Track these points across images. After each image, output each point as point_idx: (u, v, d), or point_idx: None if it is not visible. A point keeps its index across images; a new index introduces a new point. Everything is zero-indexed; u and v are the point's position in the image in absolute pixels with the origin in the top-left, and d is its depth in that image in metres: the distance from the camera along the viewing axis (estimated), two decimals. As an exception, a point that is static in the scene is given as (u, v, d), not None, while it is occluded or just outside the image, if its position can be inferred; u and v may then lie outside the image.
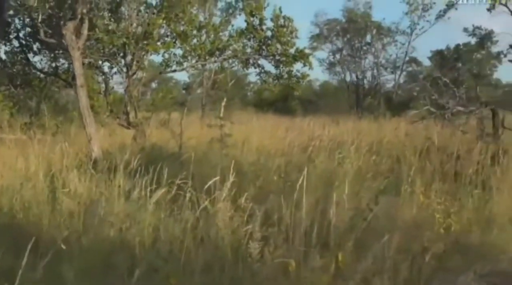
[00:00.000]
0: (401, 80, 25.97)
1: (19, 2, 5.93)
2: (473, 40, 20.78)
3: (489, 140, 7.22)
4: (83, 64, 8.40)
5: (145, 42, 8.46)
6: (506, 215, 4.48)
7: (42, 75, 9.50)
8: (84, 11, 6.47)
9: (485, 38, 18.47)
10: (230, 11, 14.36)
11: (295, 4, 49.22)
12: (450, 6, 17.58)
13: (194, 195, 3.84)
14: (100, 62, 9.44)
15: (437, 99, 7.65)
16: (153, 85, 21.20)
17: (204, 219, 3.29)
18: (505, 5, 12.72)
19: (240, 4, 13.12)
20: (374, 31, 22.86)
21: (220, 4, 14.62)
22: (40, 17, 5.71)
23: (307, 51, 10.02)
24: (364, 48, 23.67)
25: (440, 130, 7.50)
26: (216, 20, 13.58)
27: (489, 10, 13.72)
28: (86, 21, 6.61)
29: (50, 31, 6.89)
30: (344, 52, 24.34)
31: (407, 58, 23.79)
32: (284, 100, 28.10)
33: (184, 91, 12.06)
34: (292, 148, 8.43)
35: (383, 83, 25.01)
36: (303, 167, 6.95)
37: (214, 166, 6.90)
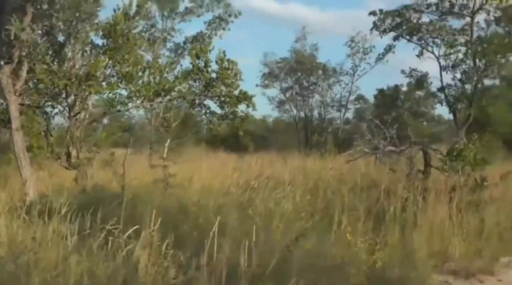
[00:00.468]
0: (350, 117, 27.25)
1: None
2: (411, 81, 22.20)
3: (418, 178, 7.72)
4: (23, 105, 8.29)
5: (88, 83, 8.48)
6: (425, 250, 4.81)
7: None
8: (23, 53, 6.48)
9: (420, 79, 19.82)
10: (179, 51, 14.71)
11: (247, 44, 50.58)
12: (387, 50, 18.84)
13: (123, 241, 3.87)
14: (42, 102, 9.32)
15: (371, 139, 8.11)
16: (105, 121, 20.90)
17: (126, 266, 3.33)
18: (432, 52, 13.84)
19: (189, 45, 13.49)
20: (320, 72, 23.99)
21: (168, 45, 14.90)
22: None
23: (259, 88, 10.37)
24: (311, 87, 24.68)
25: (372, 169, 7.93)
26: (164, 60, 13.86)
27: (418, 56, 14.88)
28: (25, 64, 6.60)
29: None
30: (293, 91, 25.25)
31: (351, 97, 25.04)
32: (236, 136, 28.41)
33: (127, 130, 12.02)
34: (236, 187, 8.57)
35: (331, 121, 26.03)
36: (242, 207, 7.10)
37: (154, 207, 6.91)
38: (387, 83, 26.83)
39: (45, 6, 5.50)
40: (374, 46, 22.30)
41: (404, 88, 24.02)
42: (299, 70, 24.45)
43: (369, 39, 21.49)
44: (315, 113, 25.43)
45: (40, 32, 6.15)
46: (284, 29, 57.56)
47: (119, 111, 9.93)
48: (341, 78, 24.50)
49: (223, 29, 13.95)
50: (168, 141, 9.40)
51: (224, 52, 10.14)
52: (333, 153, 17.44)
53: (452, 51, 12.23)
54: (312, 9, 56.31)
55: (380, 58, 21.02)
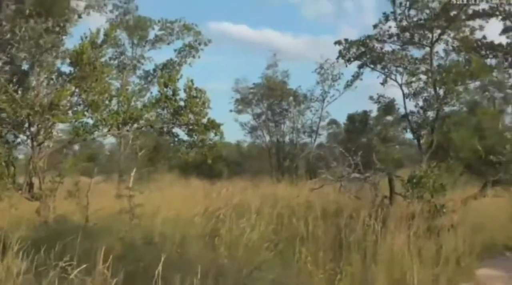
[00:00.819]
0: (324, 141, 27.66)
1: None
2: (380, 106, 22.78)
3: (382, 205, 7.85)
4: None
5: (52, 112, 8.37)
6: (384, 278, 4.86)
7: None
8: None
9: (388, 105, 20.39)
10: (149, 79, 14.72)
11: (220, 69, 51.02)
12: (355, 77, 19.40)
13: (75, 278, 3.77)
14: (4, 131, 9.11)
15: (335, 166, 8.24)
16: (76, 147, 20.51)
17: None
18: (395, 80, 14.32)
19: (159, 73, 13.53)
20: (291, 98, 24.39)
21: (138, 72, 14.91)
22: None
23: (233, 113, 10.38)
24: (283, 113, 25.01)
25: (338, 196, 8.02)
26: (134, 88, 13.84)
27: (382, 83, 15.39)
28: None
29: None
30: (265, 116, 25.51)
31: (323, 123, 25.48)
32: (209, 162, 28.20)
33: (92, 159, 11.77)
34: (203, 216, 8.50)
35: (303, 146, 26.30)
36: (207, 237, 7.02)
37: (117, 239, 6.77)
38: (357, 108, 27.48)
39: (7, 36, 5.44)
40: (342, 73, 22.98)
41: (373, 114, 24.64)
42: (270, 96, 24.79)
43: (337, 66, 22.13)
44: (287, 138, 25.71)
45: (1, 61, 6.04)
46: (258, 55, 58.65)
47: (84, 140, 9.78)
48: (312, 104, 24.96)
49: (193, 56, 14.09)
50: (134, 170, 9.28)
51: (192, 80, 10.20)
52: (304, 178, 17.58)
53: (413, 79, 12.71)
54: (285, 34, 57.68)
55: (348, 85, 21.61)
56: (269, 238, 6.12)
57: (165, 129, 10.70)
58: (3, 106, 7.79)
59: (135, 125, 10.37)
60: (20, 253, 4.89)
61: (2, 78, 6.01)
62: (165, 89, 10.42)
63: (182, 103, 10.27)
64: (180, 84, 10.45)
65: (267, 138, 25.93)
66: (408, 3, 10.84)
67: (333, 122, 28.53)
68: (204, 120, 10.23)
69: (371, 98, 21.57)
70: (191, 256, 5.93)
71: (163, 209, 9.63)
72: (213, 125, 10.05)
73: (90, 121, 10.15)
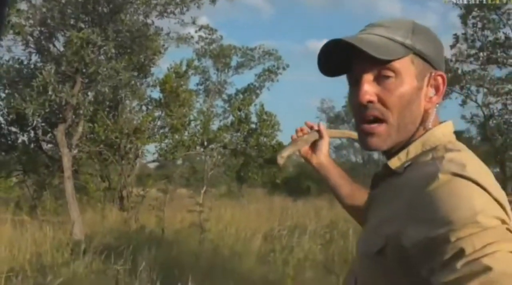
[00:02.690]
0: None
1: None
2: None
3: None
4: (83, 152, 9.59)
5: (136, 135, 9.63)
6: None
7: (49, 162, 10.73)
8: (80, 112, 7.68)
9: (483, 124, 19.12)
10: (232, 101, 15.79)
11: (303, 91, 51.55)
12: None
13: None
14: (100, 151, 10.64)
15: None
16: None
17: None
18: (475, 101, 13.45)
19: (240, 96, 14.53)
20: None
21: (223, 96, 16.08)
22: (35, 121, 6.91)
23: None
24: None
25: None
26: (219, 110, 14.97)
27: (461, 104, 14.45)
28: (81, 123, 7.81)
29: (49, 130, 8.16)
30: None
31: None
32: (297, 179, 28.70)
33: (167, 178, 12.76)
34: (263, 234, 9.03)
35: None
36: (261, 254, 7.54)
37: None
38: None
39: (92, 76, 6.62)
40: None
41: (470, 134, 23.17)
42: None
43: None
44: (373, 158, 25.30)
45: (92, 95, 7.29)
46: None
47: (166, 159, 10.97)
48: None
49: (272, 80, 14.85)
50: (204, 188, 10.16)
51: (262, 105, 10.93)
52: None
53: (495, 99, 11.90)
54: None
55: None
56: (314, 257, 6.43)
57: (238, 150, 11.56)
58: (97, 130, 9.20)
59: (211, 146, 11.35)
60: (94, 256, 5.88)
61: (89, 108, 7.18)
62: (238, 113, 11.31)
63: (253, 126, 11.05)
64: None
65: (353, 157, 25.75)
66: (480, 23, 10.34)
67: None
68: (274, 142, 10.87)
69: (463, 117, 20.42)
70: (244, 269, 6.49)
71: (233, 225, 10.35)
72: (281, 147, 10.52)
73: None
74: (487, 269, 0.64)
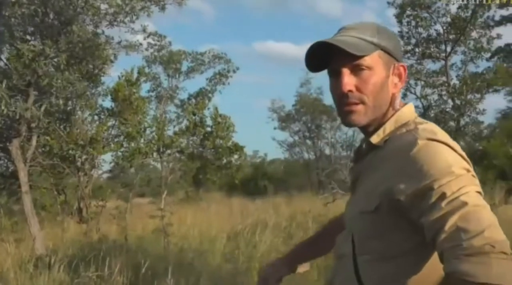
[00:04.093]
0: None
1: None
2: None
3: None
4: (36, 166, 9.38)
5: (92, 146, 9.56)
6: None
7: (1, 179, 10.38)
8: (33, 126, 7.57)
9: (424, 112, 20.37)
10: (184, 107, 15.87)
11: (262, 86, 52.19)
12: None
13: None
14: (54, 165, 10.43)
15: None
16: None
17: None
18: (414, 93, 14.40)
19: (193, 101, 14.66)
20: (325, 116, 24.89)
21: (175, 101, 16.13)
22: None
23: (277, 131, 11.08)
24: (317, 130, 25.54)
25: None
26: (171, 116, 15.04)
27: (402, 97, 15.33)
28: (34, 135, 7.70)
29: (1, 145, 7.97)
30: (301, 133, 26.15)
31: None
32: (255, 180, 29.03)
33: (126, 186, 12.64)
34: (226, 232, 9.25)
35: (339, 160, 26.52)
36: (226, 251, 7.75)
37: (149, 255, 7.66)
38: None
39: (45, 88, 6.59)
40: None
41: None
42: (304, 114, 25.42)
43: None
44: (325, 153, 26.11)
45: (44, 107, 7.22)
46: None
47: (123, 168, 10.93)
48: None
49: (223, 83, 15.10)
50: (165, 192, 10.24)
51: (216, 108, 11.17)
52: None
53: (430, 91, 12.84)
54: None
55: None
56: (278, 250, 6.76)
57: (196, 154, 11.71)
58: (51, 142, 9.06)
59: (168, 151, 11.44)
60: (61, 267, 5.87)
61: (46, 120, 7.11)
62: (193, 117, 11.47)
63: (209, 129, 11.25)
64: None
65: (306, 154, 26.48)
66: (413, 21, 11.17)
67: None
68: (229, 143, 11.13)
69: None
70: (211, 267, 6.70)
71: (196, 227, 10.49)
72: (237, 148, 10.88)
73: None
74: (464, 204, 0.86)
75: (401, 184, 0.93)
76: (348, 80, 1.03)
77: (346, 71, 1.03)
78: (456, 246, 0.83)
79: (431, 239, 0.88)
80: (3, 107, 6.10)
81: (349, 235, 1.07)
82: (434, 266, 0.94)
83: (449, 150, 0.94)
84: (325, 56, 1.06)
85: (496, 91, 13.66)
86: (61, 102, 6.79)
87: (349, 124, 1.07)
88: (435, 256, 0.92)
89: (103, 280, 5.17)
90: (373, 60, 1.03)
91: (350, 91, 1.03)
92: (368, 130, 1.08)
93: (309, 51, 1.05)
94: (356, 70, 1.03)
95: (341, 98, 1.04)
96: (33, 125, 7.51)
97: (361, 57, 1.02)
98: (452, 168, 0.90)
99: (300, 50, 56.90)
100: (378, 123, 1.06)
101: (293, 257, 1.39)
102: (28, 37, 7.43)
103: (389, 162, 0.99)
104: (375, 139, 1.05)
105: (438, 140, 0.95)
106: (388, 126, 1.05)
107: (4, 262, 6.94)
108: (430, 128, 0.99)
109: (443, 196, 0.87)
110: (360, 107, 1.04)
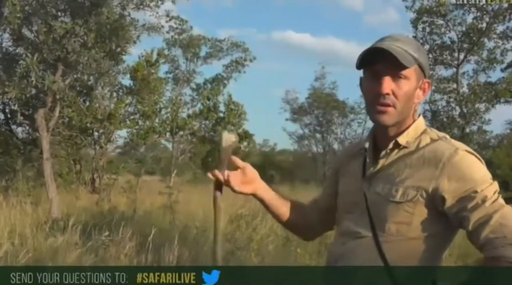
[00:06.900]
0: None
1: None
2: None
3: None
4: (57, 136, 9.92)
5: (110, 121, 10.06)
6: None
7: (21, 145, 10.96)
8: (57, 97, 8.09)
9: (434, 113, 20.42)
10: (200, 90, 16.28)
11: (278, 75, 52.13)
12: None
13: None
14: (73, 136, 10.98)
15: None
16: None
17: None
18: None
19: (208, 86, 15.07)
20: (337, 111, 25.11)
21: (191, 85, 16.54)
22: (17, 104, 7.27)
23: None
24: (329, 124, 25.79)
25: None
26: (187, 98, 15.46)
27: None
28: (57, 107, 8.21)
29: (27, 113, 8.51)
30: (312, 127, 26.45)
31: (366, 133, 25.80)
32: (263, 167, 29.32)
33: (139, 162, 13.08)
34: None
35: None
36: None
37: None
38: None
39: (72, 64, 7.06)
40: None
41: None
42: (317, 108, 25.66)
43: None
44: (333, 148, 26.38)
45: (68, 81, 7.70)
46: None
47: (137, 144, 11.44)
48: (359, 116, 25.49)
49: (239, 71, 15.45)
50: (175, 172, 10.74)
51: (230, 95, 11.56)
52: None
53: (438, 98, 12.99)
54: (350, 44, 57.19)
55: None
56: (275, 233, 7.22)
57: (206, 137, 12.17)
58: (71, 115, 9.57)
59: (181, 133, 11.90)
60: (75, 230, 6.40)
61: (70, 95, 7.60)
62: (207, 102, 11.89)
63: (221, 115, 11.67)
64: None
65: (314, 148, 26.81)
66: (428, 28, 11.39)
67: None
68: (240, 130, 11.54)
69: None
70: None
71: (198, 208, 10.98)
72: (246, 135, 11.30)
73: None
74: (502, 205, 1.09)
75: (448, 184, 1.12)
76: (389, 84, 1.16)
77: (388, 76, 1.17)
78: (502, 237, 1.05)
79: (473, 229, 1.09)
80: (33, 79, 6.61)
81: (364, 217, 1.20)
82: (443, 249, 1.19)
83: (480, 162, 1.16)
84: (369, 57, 1.19)
85: (507, 102, 13.83)
86: (86, 78, 7.24)
87: (378, 122, 1.20)
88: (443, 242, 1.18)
89: (114, 244, 5.66)
90: (411, 72, 1.18)
91: (387, 93, 1.17)
92: (390, 131, 1.22)
93: (366, 52, 1.18)
94: (396, 77, 1.17)
95: (377, 97, 1.18)
96: (57, 97, 8.03)
97: (405, 67, 1.15)
98: (487, 176, 1.14)
99: (319, 43, 56.65)
100: (399, 127, 1.21)
101: (266, 187, 1.38)
102: (59, 13, 7.90)
103: (429, 163, 1.15)
104: (402, 140, 1.21)
105: (472, 153, 1.17)
106: (412, 131, 1.21)
107: (22, 221, 7.51)
108: (459, 142, 1.21)
109: (485, 198, 1.09)
110: (391, 109, 1.18)
